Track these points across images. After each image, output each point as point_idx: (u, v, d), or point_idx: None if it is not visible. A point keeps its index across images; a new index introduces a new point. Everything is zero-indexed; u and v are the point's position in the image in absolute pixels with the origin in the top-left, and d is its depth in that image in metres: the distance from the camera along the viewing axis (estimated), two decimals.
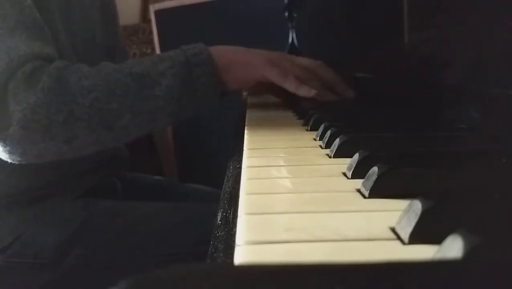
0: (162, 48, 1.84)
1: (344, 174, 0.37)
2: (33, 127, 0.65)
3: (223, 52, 0.76)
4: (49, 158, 0.70)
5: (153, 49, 2.06)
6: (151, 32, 1.97)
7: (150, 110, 0.70)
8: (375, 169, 0.31)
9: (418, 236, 0.23)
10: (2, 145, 0.68)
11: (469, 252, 0.18)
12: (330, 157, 0.43)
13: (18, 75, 0.65)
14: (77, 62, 0.82)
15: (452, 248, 0.19)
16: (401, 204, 0.27)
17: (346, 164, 0.37)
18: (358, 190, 0.32)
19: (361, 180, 0.32)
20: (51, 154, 0.69)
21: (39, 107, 0.65)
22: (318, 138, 0.52)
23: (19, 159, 0.70)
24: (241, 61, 0.76)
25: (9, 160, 0.70)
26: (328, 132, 0.48)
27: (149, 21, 1.98)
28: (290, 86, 0.76)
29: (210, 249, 0.26)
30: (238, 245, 0.23)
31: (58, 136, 0.67)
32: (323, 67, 0.81)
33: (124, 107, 0.69)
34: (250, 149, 0.48)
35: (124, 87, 0.69)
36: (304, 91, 0.75)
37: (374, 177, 0.31)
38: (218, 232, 0.28)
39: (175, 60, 0.72)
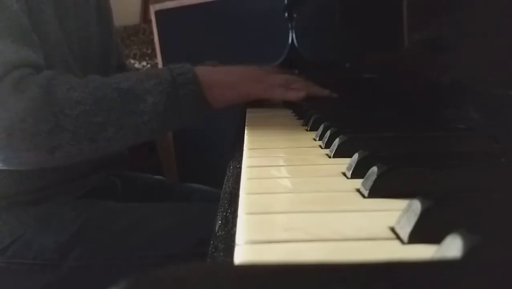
0: (162, 48, 1.84)
1: (344, 174, 0.37)
2: (19, 135, 0.65)
3: (208, 73, 0.78)
4: (31, 166, 0.71)
5: (153, 49, 2.06)
6: (151, 33, 1.97)
7: (135, 125, 0.72)
8: (374, 169, 0.31)
9: (418, 235, 0.23)
10: None
11: (468, 252, 0.18)
12: (329, 157, 0.43)
13: (6, 82, 0.65)
14: (73, 61, 0.82)
15: (452, 247, 0.19)
16: (401, 203, 0.27)
17: (345, 164, 0.37)
18: (358, 190, 0.32)
19: (361, 180, 0.32)
20: (33, 162, 0.70)
21: (27, 116, 0.65)
22: (318, 138, 0.52)
23: (1, 165, 0.70)
24: (226, 82, 0.79)
25: None
26: (328, 132, 0.48)
27: (150, 21, 1.98)
28: (280, 95, 0.80)
29: (210, 249, 0.26)
30: (238, 245, 0.23)
31: (42, 146, 0.67)
32: (302, 80, 0.86)
33: (110, 121, 0.70)
34: (250, 149, 0.48)
35: (110, 101, 0.70)
36: (294, 95, 0.79)
37: (373, 177, 0.31)
38: (218, 232, 0.28)
39: (162, 78, 0.73)
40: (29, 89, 0.66)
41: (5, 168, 0.71)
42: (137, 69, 2.23)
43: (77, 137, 0.69)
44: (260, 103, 0.89)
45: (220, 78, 0.79)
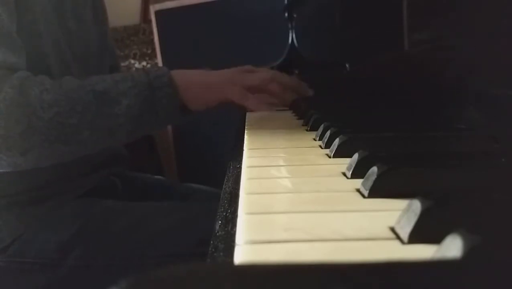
0: (162, 48, 1.84)
1: (344, 174, 0.37)
2: None
3: (184, 75, 0.79)
4: (4, 169, 0.71)
5: (153, 49, 2.06)
6: (151, 33, 1.97)
7: (109, 127, 0.72)
8: (374, 169, 0.31)
9: (418, 235, 0.23)
10: None
11: (468, 252, 0.18)
12: (329, 157, 0.43)
13: None
14: (73, 61, 0.83)
15: (452, 247, 0.19)
16: (401, 203, 0.27)
17: (345, 164, 0.37)
18: (358, 190, 0.32)
19: (361, 180, 0.32)
20: (6, 165, 0.70)
21: None
22: (318, 138, 0.52)
23: None
24: (202, 83, 0.80)
25: None
26: (328, 132, 0.48)
27: (150, 21, 1.98)
28: (251, 106, 0.80)
29: (210, 249, 0.26)
30: (238, 245, 0.23)
31: (14, 148, 0.67)
32: (278, 74, 0.86)
33: (84, 123, 0.70)
34: (250, 149, 0.48)
35: (85, 104, 0.70)
36: (264, 108, 0.80)
37: (373, 177, 0.31)
38: (218, 232, 0.28)
39: (137, 81, 0.74)
40: (1, 91, 0.65)
41: None
42: (136, 70, 2.23)
43: (49, 139, 0.68)
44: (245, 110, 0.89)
45: (196, 80, 0.80)
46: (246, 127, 0.62)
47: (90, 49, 0.91)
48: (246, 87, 0.81)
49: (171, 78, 0.76)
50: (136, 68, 2.25)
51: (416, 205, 0.24)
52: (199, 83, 0.79)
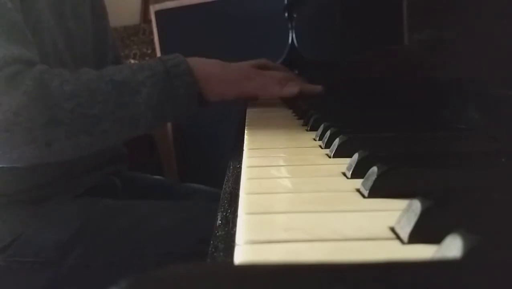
0: (162, 48, 1.84)
1: (344, 174, 0.37)
2: (15, 129, 0.66)
3: (201, 65, 0.78)
4: (30, 161, 0.71)
5: (153, 49, 2.06)
6: (151, 33, 1.97)
7: (130, 117, 0.72)
8: (374, 169, 0.31)
9: (418, 235, 0.23)
10: None
11: (468, 252, 0.18)
12: (329, 157, 0.43)
13: None
14: (72, 60, 0.83)
15: (452, 247, 0.19)
16: (401, 203, 0.27)
17: (345, 164, 0.37)
18: (358, 190, 0.32)
19: (361, 180, 0.32)
20: (32, 157, 0.70)
21: (21, 110, 0.65)
22: (318, 138, 0.52)
23: (1, 162, 0.70)
24: (219, 76, 0.80)
25: None
26: (328, 132, 0.48)
27: (150, 21, 1.98)
28: (274, 92, 0.80)
29: (210, 249, 0.26)
30: (238, 245, 0.23)
31: (38, 139, 0.67)
32: (288, 73, 0.88)
33: (105, 113, 0.70)
34: (250, 149, 0.48)
35: (105, 94, 0.70)
36: (289, 91, 0.80)
37: (373, 177, 0.31)
38: (218, 232, 0.28)
39: (155, 70, 0.74)
40: (22, 84, 0.66)
41: (3, 164, 0.71)
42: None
43: (72, 130, 0.69)
44: (256, 100, 0.89)
45: (213, 71, 0.79)
46: (246, 127, 0.62)
47: (89, 47, 0.91)
48: (262, 81, 0.81)
49: (189, 67, 0.76)
50: None
51: (416, 205, 0.24)
52: (217, 77, 0.79)
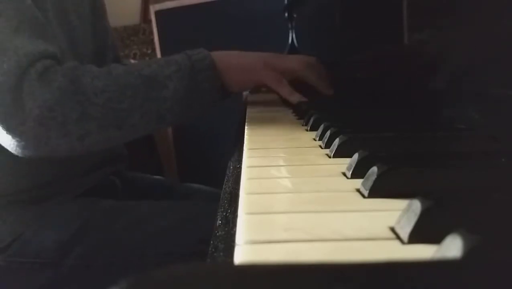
0: (162, 48, 1.84)
1: (344, 174, 0.37)
2: (50, 123, 0.68)
3: (224, 57, 0.80)
4: (61, 153, 0.73)
5: (153, 49, 2.06)
6: (151, 33, 1.98)
7: (158, 111, 0.74)
8: (374, 169, 0.31)
9: (418, 235, 0.23)
10: (17, 140, 0.69)
11: (468, 252, 0.18)
12: (329, 157, 0.43)
13: (31, 74, 0.67)
14: (73, 58, 0.83)
15: (452, 247, 0.19)
16: (401, 203, 0.27)
17: (345, 164, 0.37)
18: (358, 190, 0.32)
19: (361, 180, 0.32)
20: (64, 150, 0.71)
21: (55, 105, 0.68)
22: (318, 138, 0.52)
23: (31, 154, 0.72)
24: (241, 66, 0.82)
25: (20, 155, 0.72)
26: (328, 132, 0.48)
27: (150, 21, 1.98)
28: (283, 92, 0.82)
29: (210, 249, 0.26)
30: (238, 245, 0.23)
31: (71, 133, 0.70)
32: (313, 61, 0.88)
33: (134, 107, 0.72)
34: (250, 149, 0.48)
35: (134, 88, 0.72)
36: (295, 98, 0.81)
37: (373, 177, 0.31)
38: (218, 232, 0.28)
39: (181, 65, 0.76)
40: (55, 80, 0.68)
41: (35, 156, 0.72)
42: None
43: (104, 124, 0.71)
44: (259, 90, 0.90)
45: (235, 62, 0.81)
46: (246, 127, 0.62)
47: (89, 46, 0.91)
48: (281, 70, 0.83)
49: (213, 61, 0.78)
50: None
51: (416, 205, 0.24)
52: (237, 66, 0.81)
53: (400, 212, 0.25)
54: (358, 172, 0.35)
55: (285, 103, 0.89)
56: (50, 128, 0.68)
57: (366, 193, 0.31)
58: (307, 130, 0.59)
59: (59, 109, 0.68)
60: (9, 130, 0.68)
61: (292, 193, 0.33)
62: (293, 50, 1.18)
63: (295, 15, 1.18)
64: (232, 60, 0.81)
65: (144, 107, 0.73)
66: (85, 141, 0.71)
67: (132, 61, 2.26)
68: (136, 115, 0.72)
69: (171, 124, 0.80)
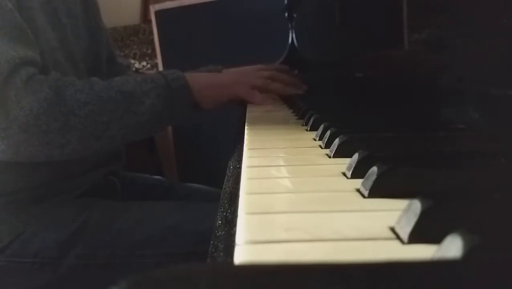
0: (162, 48, 1.84)
1: (344, 174, 0.37)
2: (33, 131, 0.71)
3: (197, 78, 0.88)
4: (39, 159, 0.76)
5: (153, 49, 2.06)
6: (151, 33, 1.97)
7: (136, 124, 0.78)
8: (374, 169, 0.31)
9: (418, 235, 0.23)
10: None
11: (468, 252, 0.18)
12: (329, 157, 0.43)
13: (16, 81, 0.70)
14: (64, 58, 0.84)
15: (452, 247, 0.19)
16: (401, 203, 0.27)
17: (345, 164, 0.37)
18: (358, 190, 0.32)
19: (361, 180, 0.32)
20: (42, 156, 0.74)
21: (41, 115, 0.71)
22: (318, 138, 0.52)
23: (9, 158, 0.74)
24: (212, 84, 0.90)
25: None
26: (328, 132, 0.48)
27: (150, 21, 1.98)
28: (256, 101, 0.90)
29: (210, 249, 0.26)
30: (238, 245, 0.23)
31: (53, 142, 0.73)
32: (276, 73, 0.98)
33: (114, 120, 0.76)
34: (250, 149, 0.48)
35: (115, 102, 0.77)
36: (269, 102, 0.91)
37: (373, 177, 0.31)
38: (218, 232, 0.28)
39: (158, 83, 0.81)
40: (41, 90, 0.71)
41: (11, 161, 0.76)
42: (137, 69, 2.23)
43: (84, 135, 0.74)
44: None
45: (209, 81, 0.90)
46: (246, 127, 0.62)
47: (82, 44, 0.91)
48: (251, 86, 0.91)
49: (187, 81, 0.84)
50: (136, 68, 2.25)
51: (416, 205, 0.24)
52: (208, 84, 0.88)
53: (400, 212, 0.25)
54: (358, 172, 0.35)
55: (285, 103, 0.89)
56: (34, 135, 0.71)
57: (366, 193, 0.31)
58: (307, 130, 0.59)
59: (45, 118, 0.71)
60: None
61: (292, 193, 0.33)
62: (293, 50, 1.18)
63: (295, 15, 1.18)
64: (204, 80, 0.89)
65: (122, 120, 0.77)
66: (65, 149, 0.74)
67: (132, 61, 2.26)
68: (114, 127, 0.76)
69: (146, 136, 0.87)
